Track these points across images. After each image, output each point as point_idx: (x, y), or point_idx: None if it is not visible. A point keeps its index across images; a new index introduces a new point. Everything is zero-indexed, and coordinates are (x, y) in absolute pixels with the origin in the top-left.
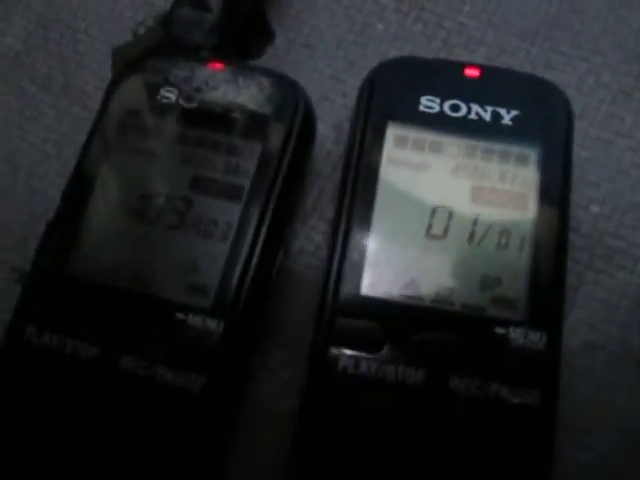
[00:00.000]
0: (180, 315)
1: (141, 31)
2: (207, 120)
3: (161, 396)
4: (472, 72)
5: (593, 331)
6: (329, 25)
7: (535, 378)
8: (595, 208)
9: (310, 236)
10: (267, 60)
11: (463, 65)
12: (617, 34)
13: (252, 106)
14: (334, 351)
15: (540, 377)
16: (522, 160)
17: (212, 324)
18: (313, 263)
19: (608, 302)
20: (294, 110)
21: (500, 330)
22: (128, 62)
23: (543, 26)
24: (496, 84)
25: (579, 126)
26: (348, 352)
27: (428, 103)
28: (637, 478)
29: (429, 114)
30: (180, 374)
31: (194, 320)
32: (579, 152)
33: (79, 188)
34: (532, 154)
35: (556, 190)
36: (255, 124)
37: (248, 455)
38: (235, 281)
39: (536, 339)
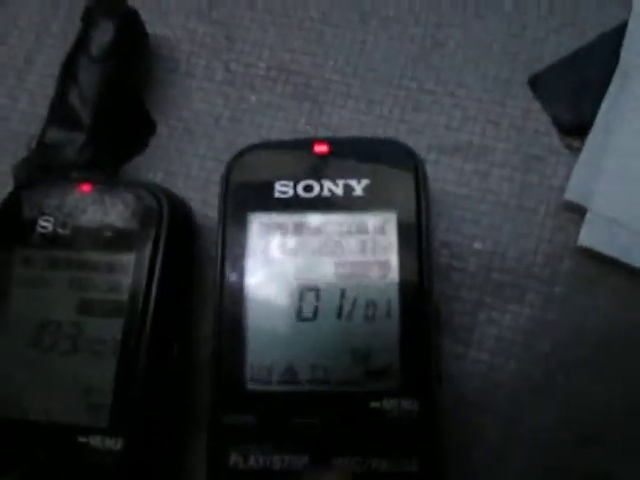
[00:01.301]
0: (82, 438)
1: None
2: (82, 243)
3: None
4: (321, 148)
5: (492, 370)
6: (205, 105)
7: (412, 446)
8: (478, 245)
9: None
10: (151, 151)
11: (312, 142)
12: (478, 61)
13: (119, 223)
14: (224, 448)
15: (416, 444)
16: (378, 228)
17: (111, 443)
18: None
19: (503, 338)
20: (158, 219)
21: (375, 403)
22: (26, 179)
23: (407, 67)
24: (345, 156)
25: (454, 163)
26: (236, 448)
27: (282, 188)
28: None
29: (284, 199)
30: None
31: (94, 441)
32: (457, 189)
33: None
34: (387, 220)
35: (416, 251)
36: (125, 239)
37: None
38: (126, 395)
39: (409, 407)
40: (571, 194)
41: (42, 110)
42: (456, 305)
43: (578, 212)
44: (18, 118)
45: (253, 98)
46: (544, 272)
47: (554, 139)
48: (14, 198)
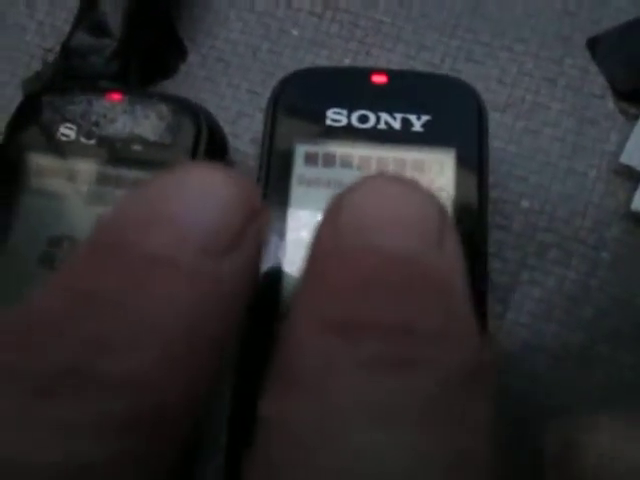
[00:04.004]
0: None
1: (51, 59)
2: (109, 155)
3: None
4: (379, 78)
5: (531, 332)
6: (242, 35)
7: None
8: (525, 203)
9: None
10: (181, 78)
11: (370, 71)
12: (539, 18)
13: (152, 137)
14: None
15: None
16: (436, 167)
17: None
18: None
19: (545, 301)
20: (196, 137)
21: None
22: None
23: (463, 17)
24: (405, 89)
25: (504, 119)
26: None
27: (335, 116)
28: None
29: (337, 128)
30: None
31: None
32: (506, 146)
33: None
34: (446, 160)
35: (475, 194)
36: (157, 155)
37: None
38: None
39: None
40: (627, 157)
41: (61, 23)
42: (497, 264)
43: (630, 178)
44: (34, 29)
45: (295, 32)
46: (591, 237)
47: (609, 103)
48: (32, 101)
